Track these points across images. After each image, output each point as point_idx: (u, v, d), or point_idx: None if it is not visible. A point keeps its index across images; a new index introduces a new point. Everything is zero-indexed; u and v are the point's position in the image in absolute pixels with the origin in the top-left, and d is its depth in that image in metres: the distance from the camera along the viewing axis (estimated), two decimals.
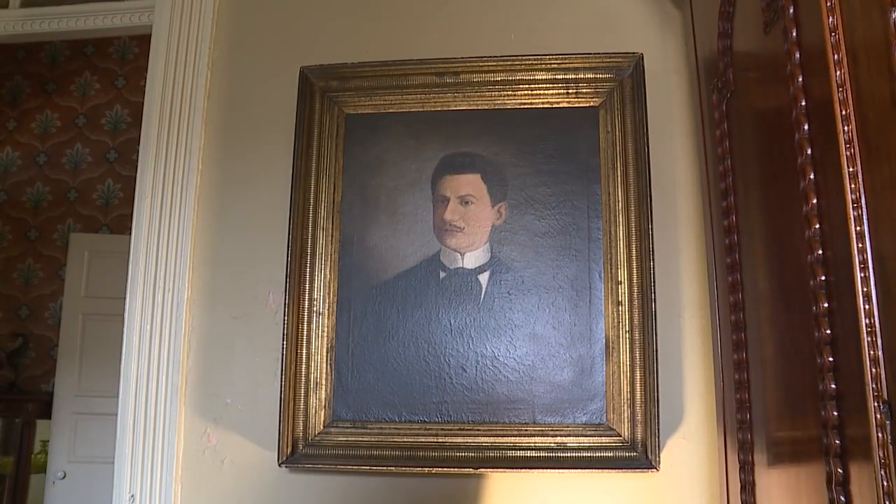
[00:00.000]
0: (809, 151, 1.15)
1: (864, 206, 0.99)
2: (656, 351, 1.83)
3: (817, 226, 1.12)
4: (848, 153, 1.02)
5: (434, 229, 2.03)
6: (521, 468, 1.86)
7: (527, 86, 2.06)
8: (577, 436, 1.86)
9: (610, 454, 1.84)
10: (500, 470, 1.88)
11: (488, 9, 2.19)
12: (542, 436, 1.87)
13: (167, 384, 2.05)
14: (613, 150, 1.99)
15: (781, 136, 1.26)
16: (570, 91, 2.04)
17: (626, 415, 1.84)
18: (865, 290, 0.98)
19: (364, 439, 1.92)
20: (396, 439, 1.91)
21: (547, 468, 1.85)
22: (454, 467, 1.88)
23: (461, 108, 2.08)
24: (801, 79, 1.19)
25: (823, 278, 1.11)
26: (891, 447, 0.92)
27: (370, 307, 2.00)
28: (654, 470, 1.80)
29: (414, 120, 2.09)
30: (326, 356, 1.98)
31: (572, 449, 1.86)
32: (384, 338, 1.97)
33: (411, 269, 2.01)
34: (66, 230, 5.36)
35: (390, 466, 1.90)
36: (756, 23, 1.41)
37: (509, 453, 1.87)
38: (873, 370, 0.95)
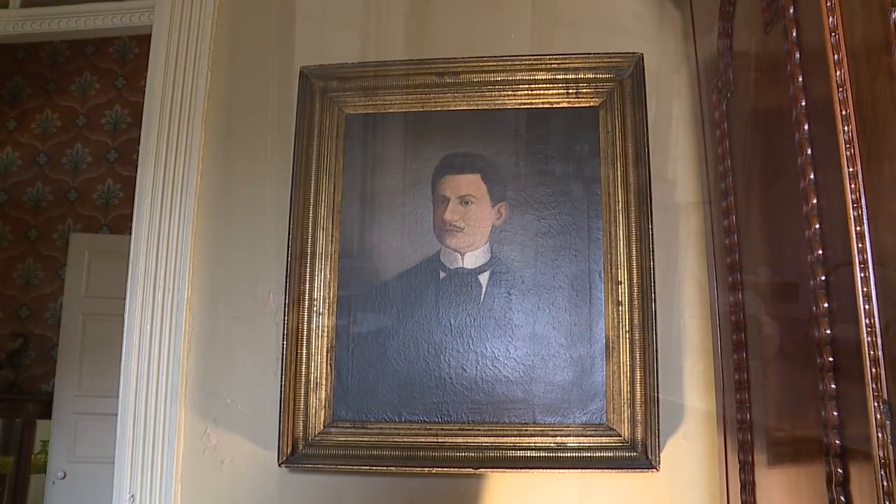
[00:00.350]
0: (809, 151, 1.15)
1: (864, 206, 0.99)
2: (656, 351, 1.83)
3: (817, 226, 1.12)
4: (848, 153, 1.02)
5: (434, 229, 2.03)
6: (521, 468, 1.86)
7: (527, 86, 2.06)
8: (577, 436, 1.86)
9: (610, 454, 1.84)
10: (500, 470, 1.88)
11: (488, 9, 2.19)
12: (542, 436, 1.87)
13: (167, 384, 2.05)
14: (613, 150, 1.99)
15: (781, 136, 1.26)
16: (570, 91, 2.04)
17: (626, 415, 1.84)
18: (865, 290, 0.98)
19: (364, 439, 1.92)
20: (396, 439, 1.91)
21: (547, 468, 1.85)
22: (454, 467, 1.88)
23: (461, 108, 2.08)
24: (801, 79, 1.19)
25: (823, 278, 1.11)
26: (891, 447, 0.92)
27: (370, 307, 2.00)
28: (654, 470, 1.80)
29: (414, 120, 2.09)
30: (326, 356, 1.98)
31: (572, 449, 1.86)
32: (384, 338, 1.98)
33: (411, 269, 2.01)
34: (66, 230, 5.36)
35: (390, 466, 1.90)
36: (756, 23, 1.41)
37: (509, 453, 1.87)
38: (873, 370, 0.95)
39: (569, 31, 2.14)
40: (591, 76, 2.04)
